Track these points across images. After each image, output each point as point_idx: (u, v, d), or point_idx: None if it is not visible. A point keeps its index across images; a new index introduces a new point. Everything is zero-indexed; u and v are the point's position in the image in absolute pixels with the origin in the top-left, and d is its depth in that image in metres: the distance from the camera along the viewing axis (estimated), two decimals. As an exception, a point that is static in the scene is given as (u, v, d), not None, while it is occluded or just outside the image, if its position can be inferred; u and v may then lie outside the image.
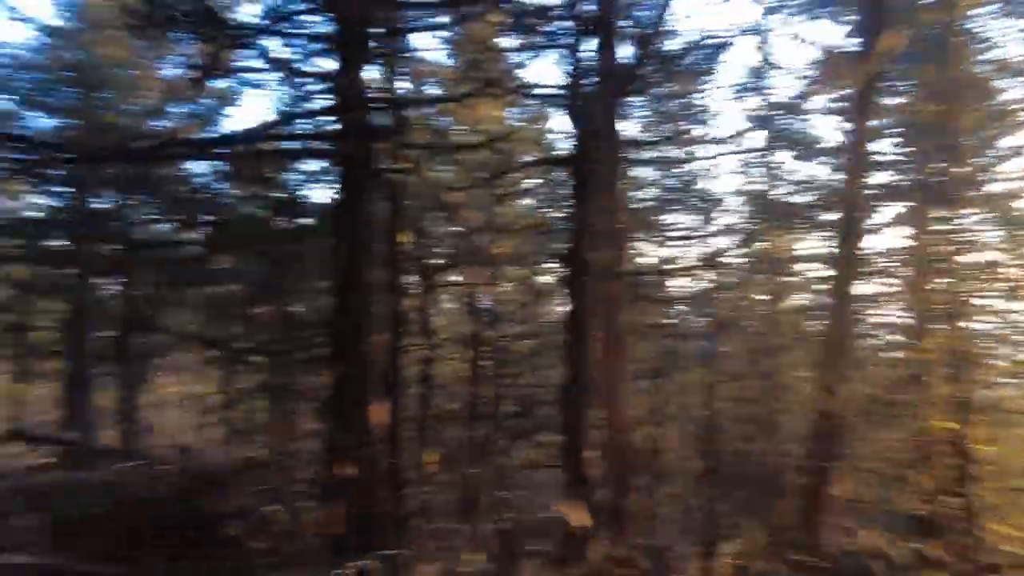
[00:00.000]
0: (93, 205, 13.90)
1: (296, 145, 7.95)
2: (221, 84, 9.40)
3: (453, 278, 13.40)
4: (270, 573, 8.28)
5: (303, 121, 8.00)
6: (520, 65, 10.89)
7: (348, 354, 6.66)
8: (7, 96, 13.88)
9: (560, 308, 17.80)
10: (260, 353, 7.60)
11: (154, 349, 18.37)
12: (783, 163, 16.62)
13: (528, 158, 12.22)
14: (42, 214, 15.11)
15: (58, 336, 22.79)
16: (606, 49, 8.95)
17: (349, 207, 6.77)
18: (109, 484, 10.68)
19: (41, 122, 14.13)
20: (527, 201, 14.21)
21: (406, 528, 8.68)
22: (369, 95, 7.24)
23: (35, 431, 18.67)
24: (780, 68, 13.92)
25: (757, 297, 17.61)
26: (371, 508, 6.76)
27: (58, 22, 15.22)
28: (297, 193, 9.57)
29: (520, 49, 10.38)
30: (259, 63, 8.65)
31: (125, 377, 16.40)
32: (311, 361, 6.93)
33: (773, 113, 14.94)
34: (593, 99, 9.55)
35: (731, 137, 14.39)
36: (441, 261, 12.80)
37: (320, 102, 8.78)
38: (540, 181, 13.22)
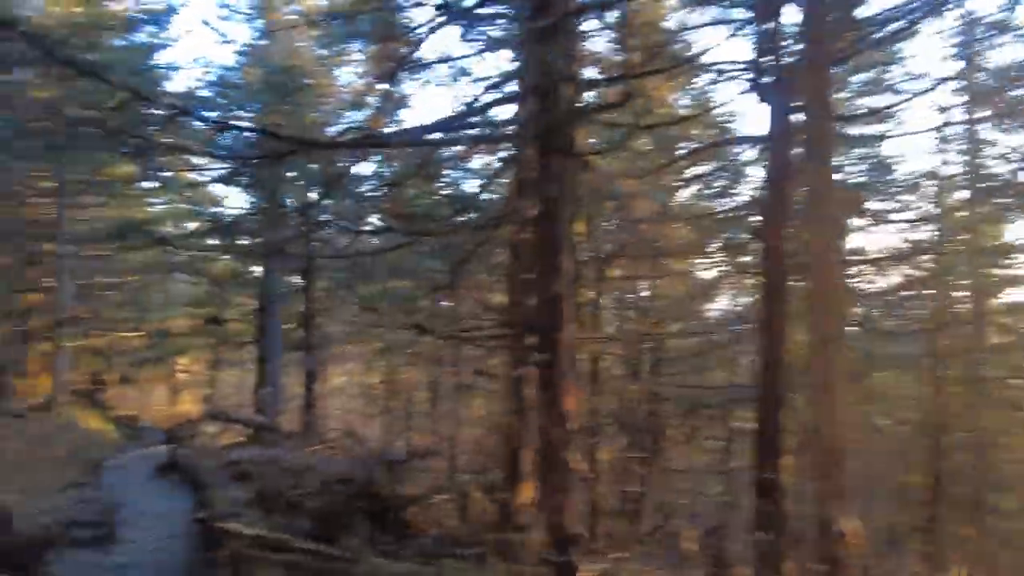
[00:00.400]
0: (283, 204, 15.02)
1: (485, 132, 7.83)
2: (405, 81, 9.57)
3: (623, 270, 12.84)
4: (456, 564, 8.26)
5: (488, 111, 7.88)
6: (704, 41, 10.12)
7: (545, 344, 6.39)
8: (215, 111, 15.37)
9: (739, 303, 16.67)
10: (463, 340, 7.55)
11: (332, 339, 19.61)
12: (1005, 137, 14.35)
13: (712, 139, 11.34)
14: (237, 214, 16.57)
15: (249, 327, 25.19)
16: (812, 13, 8.00)
17: (541, 193, 6.51)
18: (302, 465, 11.37)
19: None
20: (701, 187, 13.28)
21: (596, 529, 8.32)
22: (556, 78, 6.92)
23: (229, 413, 20.66)
24: (1008, 26, 11.93)
25: (965, 293, 15.41)
26: (564, 505, 6.46)
27: (253, 41, 16.70)
28: (487, 181, 9.53)
29: (709, 24, 9.65)
30: (448, 52, 8.73)
31: (306, 365, 17.57)
32: (508, 350, 6.75)
33: (995, 79, 12.89)
34: (795, 70, 8.62)
35: (943, 109, 12.55)
36: (609, 252, 12.29)
37: (501, 91, 8.66)
38: (720, 165, 12.28)
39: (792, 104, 9.05)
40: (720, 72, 10.76)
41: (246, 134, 9.96)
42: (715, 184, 13.14)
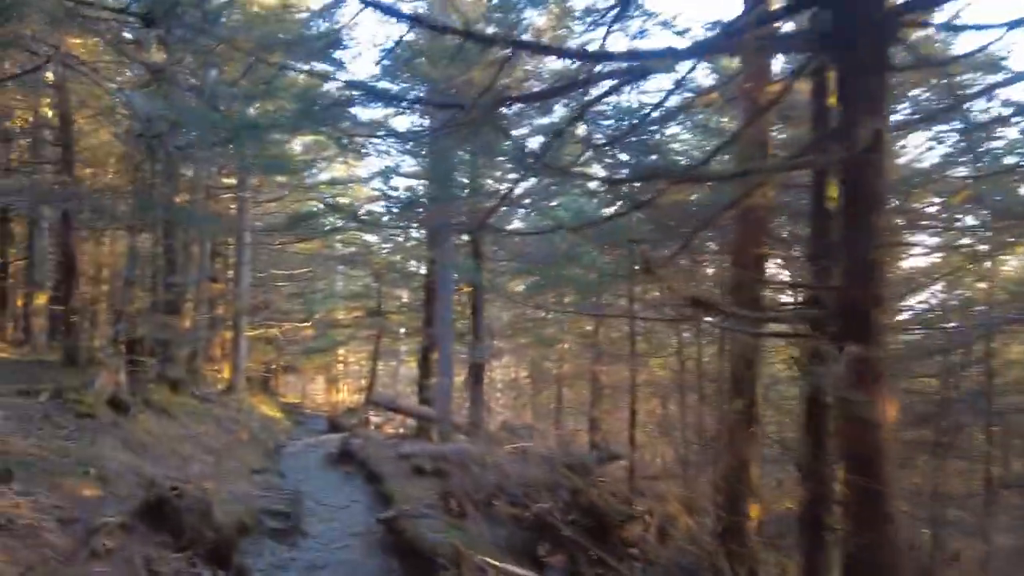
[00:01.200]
0: (458, 183, 14.25)
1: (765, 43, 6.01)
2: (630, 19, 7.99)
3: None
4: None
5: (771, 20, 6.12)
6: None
7: (856, 327, 4.68)
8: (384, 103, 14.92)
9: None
10: (753, 323, 6.04)
11: (495, 330, 18.80)
12: None
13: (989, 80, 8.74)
14: (414, 195, 16.08)
15: (407, 318, 25.34)
16: None
17: (854, 127, 4.78)
18: (492, 465, 10.35)
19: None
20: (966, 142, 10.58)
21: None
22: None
23: (396, 402, 20.50)
24: None
25: None
26: (886, 545, 4.73)
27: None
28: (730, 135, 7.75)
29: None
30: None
31: (473, 356, 16.84)
32: (810, 337, 5.16)
33: None
34: None
35: None
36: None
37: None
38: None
39: None
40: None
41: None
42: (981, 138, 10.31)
